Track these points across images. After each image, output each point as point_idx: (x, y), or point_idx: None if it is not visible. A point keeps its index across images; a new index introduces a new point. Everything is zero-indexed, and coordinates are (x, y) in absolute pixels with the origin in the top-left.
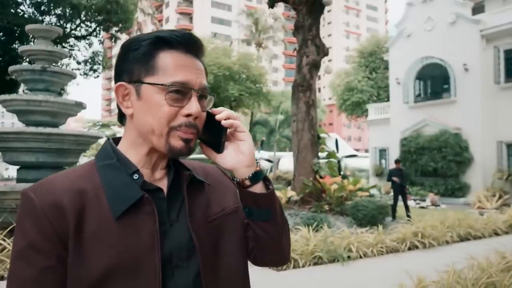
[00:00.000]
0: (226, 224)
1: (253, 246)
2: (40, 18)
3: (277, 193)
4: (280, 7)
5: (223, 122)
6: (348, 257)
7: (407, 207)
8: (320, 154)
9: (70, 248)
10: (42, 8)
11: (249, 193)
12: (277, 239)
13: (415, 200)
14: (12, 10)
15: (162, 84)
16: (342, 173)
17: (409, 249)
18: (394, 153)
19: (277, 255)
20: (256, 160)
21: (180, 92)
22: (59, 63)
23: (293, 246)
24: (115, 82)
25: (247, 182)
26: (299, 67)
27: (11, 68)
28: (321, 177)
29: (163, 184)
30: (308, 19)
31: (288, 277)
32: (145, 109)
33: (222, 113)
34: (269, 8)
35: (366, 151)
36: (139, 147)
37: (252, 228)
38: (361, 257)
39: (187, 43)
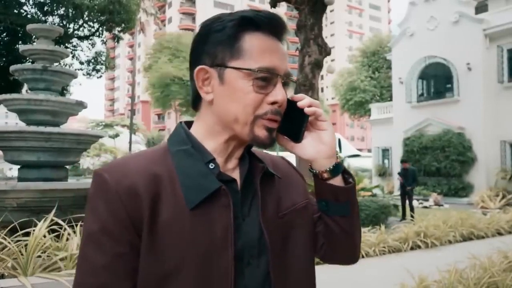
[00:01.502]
0: (296, 221)
1: (323, 242)
2: (43, 18)
3: None
4: (282, 7)
5: (306, 110)
6: None
7: (411, 208)
8: None
9: (144, 236)
10: (45, 8)
11: (329, 186)
12: (351, 235)
13: (418, 199)
14: (15, 10)
15: (249, 69)
16: None
17: (412, 248)
18: (397, 152)
19: (349, 252)
20: (337, 152)
21: (266, 78)
22: (62, 63)
23: None
24: (192, 66)
25: (326, 175)
26: (301, 66)
27: (12, 68)
28: None
29: (236, 175)
30: (310, 18)
31: None
32: (229, 95)
33: (304, 101)
34: (271, 7)
35: (369, 150)
36: (217, 135)
37: (324, 224)
38: (363, 256)
39: (272, 25)
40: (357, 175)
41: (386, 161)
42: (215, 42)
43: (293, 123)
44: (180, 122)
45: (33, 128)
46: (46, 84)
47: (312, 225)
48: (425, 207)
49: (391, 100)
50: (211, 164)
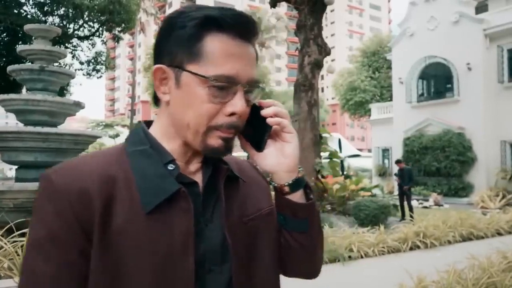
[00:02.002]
0: (261, 227)
1: (284, 255)
2: (43, 18)
3: None
4: (283, 7)
5: (269, 120)
6: (349, 257)
7: (410, 208)
8: (322, 154)
9: (94, 242)
10: (45, 8)
11: (287, 201)
12: (311, 252)
13: (418, 200)
14: (15, 11)
15: (204, 76)
16: (345, 173)
17: (411, 249)
18: (397, 152)
19: (309, 268)
20: (299, 166)
21: (224, 87)
22: (61, 64)
23: None
24: (155, 61)
25: (286, 189)
26: (301, 66)
27: (9, 68)
28: (323, 177)
29: (198, 178)
30: (310, 18)
31: (287, 278)
32: (183, 100)
33: (269, 109)
34: (271, 7)
35: (369, 150)
36: (172, 137)
37: (284, 237)
38: (362, 257)
39: (239, 26)
40: (357, 175)
41: (386, 161)
42: (175, 41)
43: (256, 130)
44: (139, 121)
45: (30, 128)
46: (44, 85)
47: (277, 233)
48: (425, 207)
49: (391, 100)
50: (171, 165)
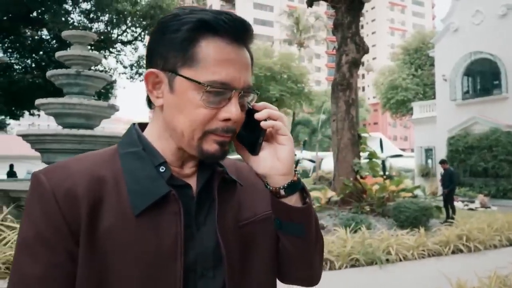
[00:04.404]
0: (257, 232)
1: (281, 260)
2: (89, 25)
3: (316, 193)
4: (322, 6)
5: (263, 124)
6: (387, 260)
7: (452, 210)
8: (362, 154)
9: (81, 244)
10: (91, 15)
11: (282, 204)
12: (308, 258)
13: (463, 201)
14: (63, 19)
15: (199, 82)
16: (387, 173)
17: (453, 252)
18: (441, 152)
19: (306, 275)
20: (295, 169)
21: (219, 92)
22: (106, 68)
23: (329, 248)
24: (147, 64)
25: (281, 192)
26: (339, 65)
27: (48, 73)
28: (362, 177)
29: (193, 181)
30: (347, 16)
31: (323, 278)
32: (177, 106)
33: (262, 112)
34: (308, 7)
35: (413, 150)
36: (166, 140)
37: (281, 242)
38: (400, 260)
39: (234, 30)
40: (400, 175)
41: (429, 161)
42: (168, 44)
43: (251, 133)
44: (133, 124)
45: (66, 130)
46: (80, 88)
47: (275, 239)
48: (471, 209)
49: (434, 98)
50: (162, 167)
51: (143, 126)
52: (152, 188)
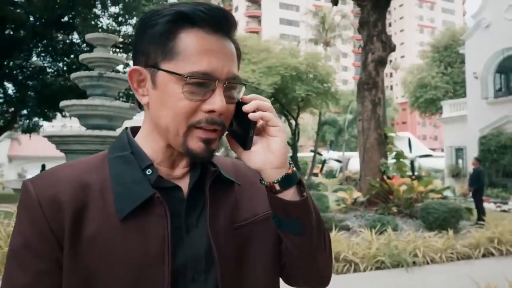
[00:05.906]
0: (255, 233)
1: (285, 261)
2: (117, 28)
3: (342, 194)
4: (349, 5)
5: (251, 115)
6: (414, 262)
7: (481, 211)
8: (389, 154)
9: (65, 250)
10: (119, 19)
11: (278, 199)
12: (311, 256)
13: (495, 202)
14: (92, 22)
15: (179, 74)
16: (416, 173)
17: (484, 256)
18: (472, 152)
19: (311, 276)
20: (290, 162)
21: (201, 84)
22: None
23: (354, 249)
24: (133, 64)
25: (276, 187)
26: (364, 64)
27: (72, 76)
28: (389, 178)
29: (184, 182)
30: (373, 14)
31: (347, 281)
32: (161, 101)
33: (250, 104)
34: (333, 6)
35: (443, 150)
36: (155, 141)
37: (283, 241)
38: (428, 263)
39: (214, 20)
40: (429, 176)
41: (460, 161)
42: (148, 40)
43: (241, 127)
44: (126, 128)
45: (89, 132)
46: (102, 90)
47: (276, 240)
48: (504, 210)
49: (465, 96)
50: (148, 170)
51: (137, 130)
52: (138, 191)
